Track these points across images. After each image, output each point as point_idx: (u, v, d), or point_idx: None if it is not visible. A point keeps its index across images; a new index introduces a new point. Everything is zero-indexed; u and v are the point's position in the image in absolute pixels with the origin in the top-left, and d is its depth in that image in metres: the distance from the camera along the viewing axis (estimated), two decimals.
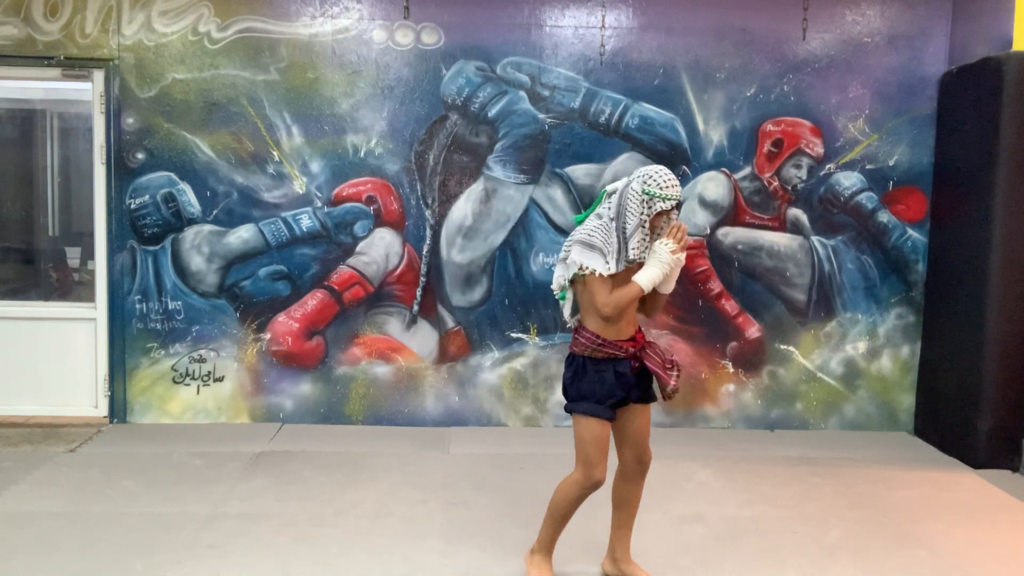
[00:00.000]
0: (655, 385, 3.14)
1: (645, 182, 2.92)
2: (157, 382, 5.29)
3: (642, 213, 2.93)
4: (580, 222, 3.09)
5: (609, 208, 3.01)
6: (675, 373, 3.05)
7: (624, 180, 3.02)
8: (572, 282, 3.09)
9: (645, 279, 2.93)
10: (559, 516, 3.14)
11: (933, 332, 5.34)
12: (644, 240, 2.97)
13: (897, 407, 5.52)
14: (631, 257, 2.95)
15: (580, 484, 3.05)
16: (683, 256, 2.98)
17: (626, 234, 2.95)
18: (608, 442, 3.07)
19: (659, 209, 2.92)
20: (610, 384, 3.02)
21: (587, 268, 2.95)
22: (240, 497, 4.10)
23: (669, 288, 3.08)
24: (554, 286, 3.16)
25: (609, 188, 3.06)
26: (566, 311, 3.18)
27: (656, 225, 3.00)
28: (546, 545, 3.22)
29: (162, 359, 5.27)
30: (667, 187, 2.91)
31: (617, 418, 3.10)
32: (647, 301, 3.14)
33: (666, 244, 2.94)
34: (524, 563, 3.36)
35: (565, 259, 3.09)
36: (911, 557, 3.59)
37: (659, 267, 2.93)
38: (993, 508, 4.21)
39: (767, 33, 5.28)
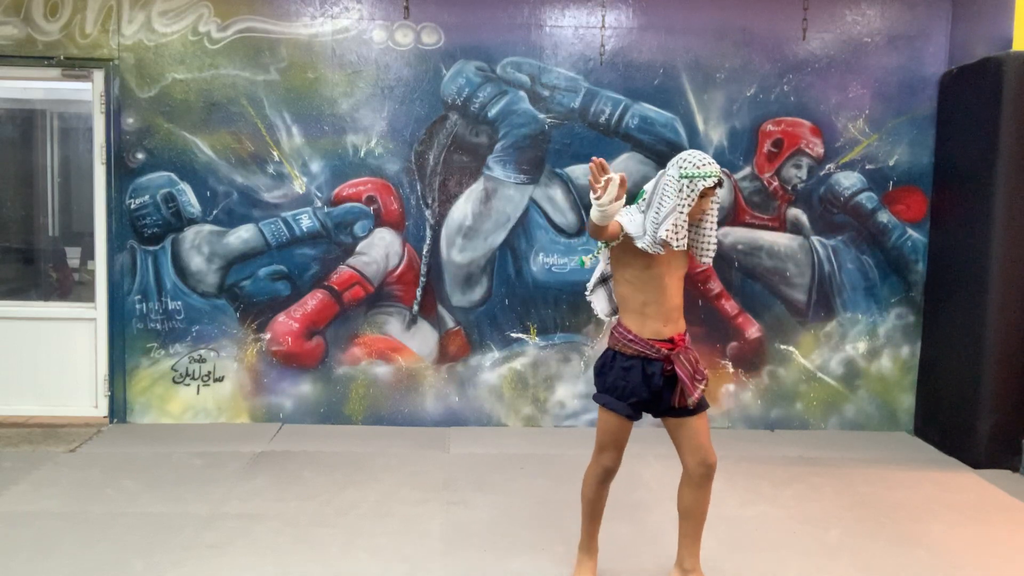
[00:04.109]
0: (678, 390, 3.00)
1: (681, 167, 2.88)
2: (157, 382, 5.29)
3: (682, 198, 2.85)
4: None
5: (643, 203, 3.00)
6: (700, 387, 2.99)
7: (657, 175, 3.00)
8: (606, 280, 3.11)
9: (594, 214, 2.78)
10: (588, 506, 3.17)
11: (933, 332, 5.34)
12: (681, 226, 2.86)
13: (897, 407, 5.52)
14: (663, 237, 2.85)
15: (593, 470, 3.12)
16: (604, 206, 2.74)
17: (658, 217, 2.88)
18: (625, 436, 3.05)
19: (702, 188, 2.85)
20: (635, 383, 2.97)
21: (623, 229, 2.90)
22: (240, 497, 4.10)
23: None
24: (589, 285, 3.16)
25: (647, 187, 3.04)
26: (600, 310, 3.14)
27: (704, 208, 2.94)
28: (586, 541, 3.23)
29: (162, 359, 5.27)
30: (703, 165, 2.86)
31: (670, 425, 3.06)
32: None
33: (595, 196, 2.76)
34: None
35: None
36: (911, 557, 3.59)
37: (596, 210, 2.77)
38: (993, 508, 4.21)
39: (767, 33, 5.28)
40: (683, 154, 2.93)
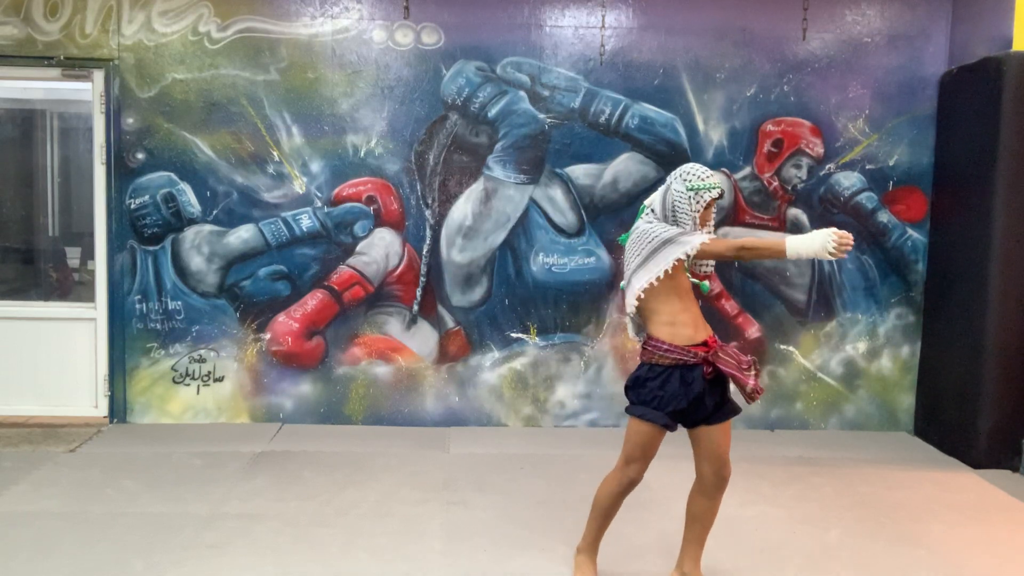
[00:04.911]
0: (732, 389, 3.00)
1: (686, 179, 2.95)
2: (157, 382, 5.29)
3: (691, 209, 2.95)
4: (626, 240, 3.08)
5: (654, 215, 3.02)
6: (752, 373, 2.94)
7: (659, 191, 3.05)
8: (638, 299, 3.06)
9: (794, 244, 2.77)
10: (600, 512, 3.15)
11: (933, 332, 5.34)
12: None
13: (897, 407, 5.52)
14: (699, 249, 2.91)
15: (616, 479, 3.09)
16: (828, 255, 2.78)
17: (687, 230, 2.95)
18: (655, 447, 3.04)
19: (707, 200, 2.94)
20: (672, 391, 2.96)
21: (693, 249, 2.88)
22: (240, 497, 4.10)
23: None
24: (630, 308, 3.05)
25: (647, 202, 3.09)
26: (633, 331, 3.19)
27: (707, 218, 3.02)
28: (590, 543, 3.22)
29: (162, 359, 5.27)
30: (708, 177, 2.96)
31: (695, 434, 3.07)
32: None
33: (832, 238, 2.73)
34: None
35: (629, 282, 3.03)
36: (911, 557, 3.59)
37: (811, 247, 2.76)
38: (993, 508, 4.21)
39: (767, 33, 5.28)
40: (685, 167, 3.00)
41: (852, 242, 2.78)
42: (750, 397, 2.95)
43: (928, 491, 4.41)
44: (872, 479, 4.56)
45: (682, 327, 2.99)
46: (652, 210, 3.05)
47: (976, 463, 4.82)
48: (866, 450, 5.09)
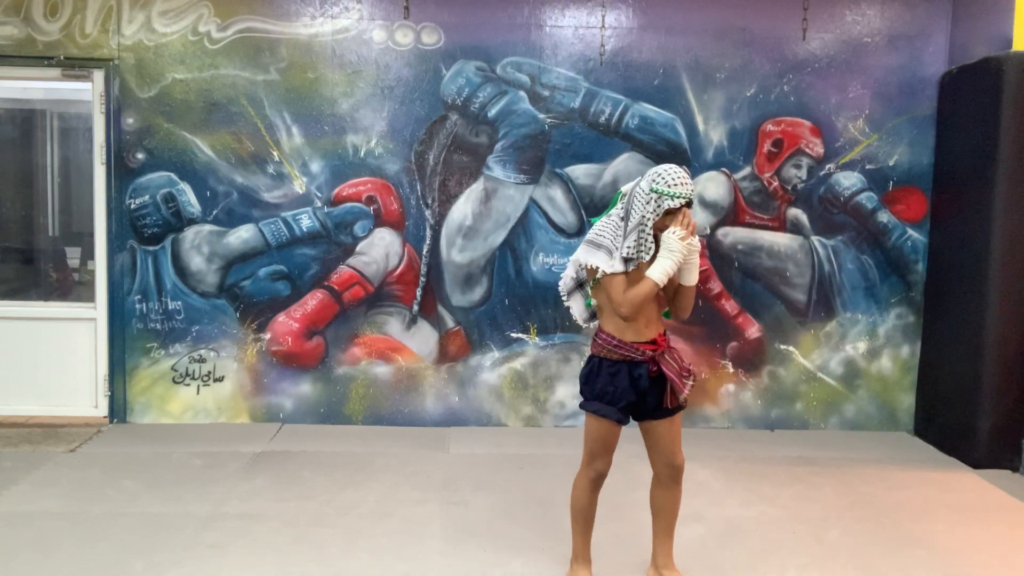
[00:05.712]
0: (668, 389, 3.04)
1: (654, 180, 2.85)
2: (157, 382, 5.29)
3: (645, 212, 2.85)
4: (595, 223, 3.06)
5: (621, 208, 2.98)
6: (689, 383, 3.02)
7: (633, 181, 2.99)
8: (582, 285, 3.10)
9: (657, 272, 2.84)
10: (580, 515, 3.16)
11: (933, 332, 5.34)
12: (644, 240, 2.87)
13: (897, 407, 5.52)
14: (625, 255, 2.88)
15: (585, 475, 3.11)
16: (696, 241, 2.89)
17: (624, 231, 2.90)
18: (615, 441, 3.07)
19: (667, 207, 2.83)
20: (622, 387, 2.99)
21: (593, 267, 2.93)
22: (240, 497, 4.10)
23: (692, 279, 2.98)
24: (561, 287, 3.15)
25: (624, 189, 3.02)
26: (577, 314, 3.18)
27: (665, 225, 2.88)
28: (580, 553, 3.21)
29: (162, 359, 5.27)
30: (676, 184, 2.82)
31: (643, 427, 3.10)
32: (675, 299, 3.07)
33: (674, 232, 2.83)
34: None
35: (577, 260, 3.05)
36: (911, 557, 3.59)
37: (670, 257, 2.83)
38: (993, 508, 4.21)
39: (767, 33, 5.28)
40: (660, 168, 2.89)
41: (689, 214, 2.86)
42: (678, 404, 3.06)
43: (928, 491, 4.41)
44: (872, 479, 4.56)
45: (631, 323, 2.98)
46: (624, 198, 3.01)
47: (976, 463, 4.82)
48: (866, 450, 5.09)
